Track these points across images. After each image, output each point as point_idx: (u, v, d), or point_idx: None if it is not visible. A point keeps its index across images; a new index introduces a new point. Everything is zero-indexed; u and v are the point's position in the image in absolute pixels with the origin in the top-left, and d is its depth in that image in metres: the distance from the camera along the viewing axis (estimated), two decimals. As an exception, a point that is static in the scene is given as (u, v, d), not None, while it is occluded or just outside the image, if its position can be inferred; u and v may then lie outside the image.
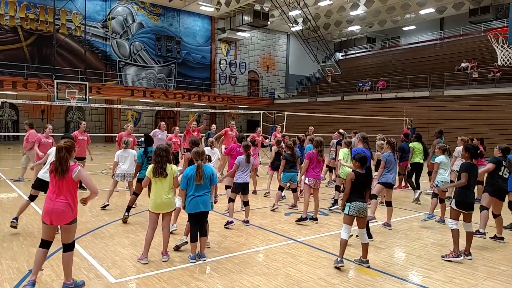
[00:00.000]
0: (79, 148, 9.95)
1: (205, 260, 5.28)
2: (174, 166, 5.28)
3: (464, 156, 5.86)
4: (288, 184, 8.49)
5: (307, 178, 7.31)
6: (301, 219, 7.30)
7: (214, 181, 5.44)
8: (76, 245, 5.75)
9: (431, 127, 22.41)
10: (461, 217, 5.69)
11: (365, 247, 5.26)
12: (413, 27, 38.86)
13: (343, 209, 5.29)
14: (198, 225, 5.29)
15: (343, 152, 8.07)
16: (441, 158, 7.37)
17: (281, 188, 8.51)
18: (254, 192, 10.14)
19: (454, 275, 5.00)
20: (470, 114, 22.38)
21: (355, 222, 5.27)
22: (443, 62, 29.87)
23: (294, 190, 8.60)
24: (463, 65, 27.11)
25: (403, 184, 11.43)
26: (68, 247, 4.28)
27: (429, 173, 10.55)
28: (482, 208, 6.54)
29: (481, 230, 6.41)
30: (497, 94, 22.79)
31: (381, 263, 5.36)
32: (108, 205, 8.13)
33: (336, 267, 5.09)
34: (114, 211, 8.00)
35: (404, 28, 39.44)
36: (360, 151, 6.49)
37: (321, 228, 7.05)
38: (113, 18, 31.94)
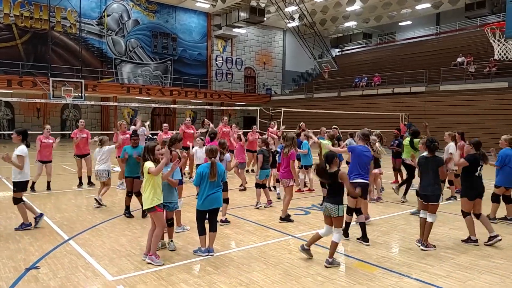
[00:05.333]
0: (81, 145, 9.97)
1: (213, 255, 5.33)
2: (147, 162, 5.11)
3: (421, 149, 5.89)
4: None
5: (291, 179, 7.26)
6: (286, 219, 7.22)
7: (224, 178, 5.59)
8: (73, 243, 5.77)
9: (427, 122, 22.45)
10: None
11: (332, 245, 5.11)
12: (409, 22, 38.86)
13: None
14: (204, 220, 5.39)
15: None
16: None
17: (258, 186, 8.29)
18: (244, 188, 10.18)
19: (452, 269, 5.01)
20: (467, 109, 22.43)
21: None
22: (439, 57, 29.87)
23: (265, 186, 8.46)
24: (459, 60, 27.12)
25: (399, 178, 11.43)
26: None
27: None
28: (465, 214, 6.09)
29: (472, 238, 6.06)
30: (493, 88, 22.82)
31: (379, 258, 5.37)
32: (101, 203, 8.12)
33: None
34: (110, 209, 7.97)
35: (400, 24, 39.43)
36: (362, 149, 6.31)
37: (318, 223, 7.03)
38: (108, 15, 31.76)
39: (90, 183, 10.41)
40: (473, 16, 30.76)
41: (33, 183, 9.53)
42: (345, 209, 5.42)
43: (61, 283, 4.42)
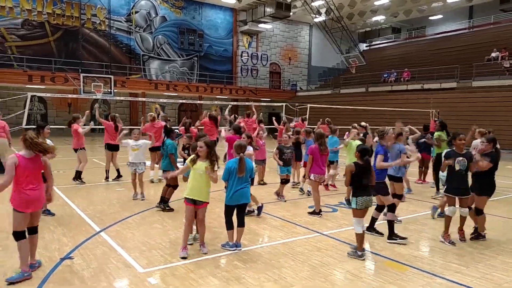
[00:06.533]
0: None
1: (240, 249, 5.35)
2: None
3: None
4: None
5: (312, 175, 7.25)
6: (313, 213, 7.33)
7: (252, 174, 5.64)
8: (104, 235, 5.90)
9: (459, 119, 21.80)
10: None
11: (359, 237, 5.20)
12: (440, 16, 37.73)
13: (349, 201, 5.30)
14: (232, 215, 5.42)
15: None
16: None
17: (281, 181, 8.51)
18: (263, 183, 10.22)
19: (487, 271, 4.84)
20: (500, 106, 21.61)
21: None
22: (471, 52, 28.89)
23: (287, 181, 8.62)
24: (493, 54, 26.14)
25: (422, 177, 11.13)
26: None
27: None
28: (480, 212, 5.95)
29: (482, 233, 6.01)
30: (529, 84, 21.93)
31: (410, 257, 5.24)
32: (138, 198, 8.30)
33: (360, 260, 5.10)
34: (140, 201, 8.11)
35: (430, 18, 38.33)
36: (379, 148, 6.13)
37: (346, 221, 6.94)
38: (136, 12, 32.29)
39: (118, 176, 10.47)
40: (509, 9, 29.68)
41: (80, 173, 9.85)
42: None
43: (94, 273, 4.53)
